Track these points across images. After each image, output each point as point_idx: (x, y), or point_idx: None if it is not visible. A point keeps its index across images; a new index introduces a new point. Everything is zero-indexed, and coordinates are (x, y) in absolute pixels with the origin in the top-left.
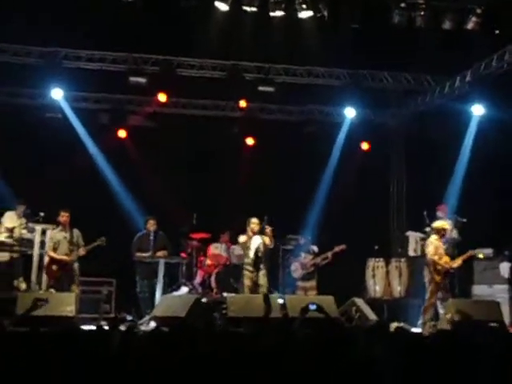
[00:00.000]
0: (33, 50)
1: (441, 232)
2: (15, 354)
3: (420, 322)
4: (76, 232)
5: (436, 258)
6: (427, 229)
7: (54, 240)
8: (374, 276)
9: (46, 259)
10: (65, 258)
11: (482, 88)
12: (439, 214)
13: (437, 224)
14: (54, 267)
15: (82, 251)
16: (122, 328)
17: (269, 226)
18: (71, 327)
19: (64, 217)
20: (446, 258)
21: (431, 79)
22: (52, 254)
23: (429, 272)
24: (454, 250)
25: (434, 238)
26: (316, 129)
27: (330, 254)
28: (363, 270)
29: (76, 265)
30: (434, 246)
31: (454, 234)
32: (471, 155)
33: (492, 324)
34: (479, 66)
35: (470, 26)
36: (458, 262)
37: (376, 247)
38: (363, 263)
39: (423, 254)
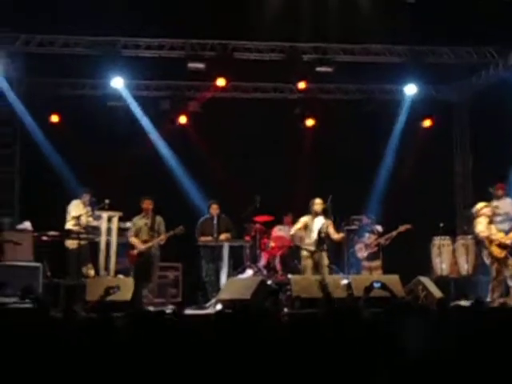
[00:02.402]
0: (92, 40)
1: (479, 213)
2: (88, 340)
3: (489, 299)
4: (158, 219)
5: (487, 233)
6: (494, 204)
7: (136, 226)
8: (439, 254)
9: (114, 245)
10: (139, 245)
11: None
12: (499, 192)
13: (476, 207)
14: (134, 252)
15: (162, 239)
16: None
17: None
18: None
19: (146, 204)
20: (500, 234)
21: (494, 52)
22: (133, 239)
23: (488, 252)
24: None
25: (482, 218)
26: (376, 107)
27: (394, 234)
28: (429, 249)
29: (157, 253)
30: (482, 225)
31: None
32: None
33: None
34: None
35: None
36: None
37: (441, 225)
38: (429, 242)
39: (475, 236)
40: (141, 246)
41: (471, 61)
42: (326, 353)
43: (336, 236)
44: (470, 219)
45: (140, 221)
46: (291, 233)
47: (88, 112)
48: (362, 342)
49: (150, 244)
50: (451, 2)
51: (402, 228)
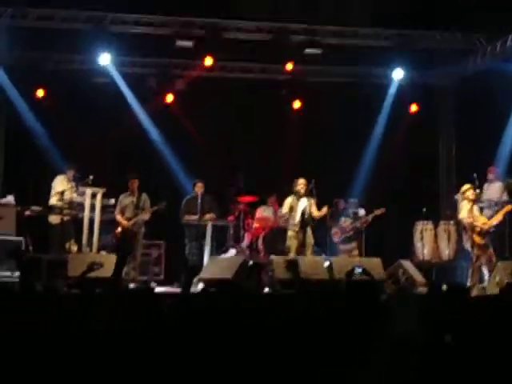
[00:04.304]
0: (80, 14)
1: (464, 196)
2: (70, 315)
3: (468, 284)
4: (144, 196)
5: (471, 220)
6: (477, 191)
7: (122, 204)
8: (422, 239)
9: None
10: (124, 222)
11: None
12: (490, 176)
13: (461, 189)
14: (119, 229)
15: (145, 215)
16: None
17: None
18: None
19: (132, 183)
20: (482, 219)
21: (482, 38)
22: (118, 217)
23: (468, 237)
24: None
25: (465, 202)
26: (364, 91)
27: (370, 218)
28: (411, 233)
29: (142, 230)
30: (466, 210)
31: (505, 197)
32: None
33: None
34: None
35: None
36: (497, 218)
37: (424, 210)
38: (411, 226)
39: (458, 221)
40: (124, 223)
41: (459, 47)
42: (299, 334)
43: (317, 213)
44: (454, 204)
45: (126, 199)
46: (280, 215)
47: (74, 87)
48: (336, 323)
49: (133, 221)
50: None
51: (377, 212)
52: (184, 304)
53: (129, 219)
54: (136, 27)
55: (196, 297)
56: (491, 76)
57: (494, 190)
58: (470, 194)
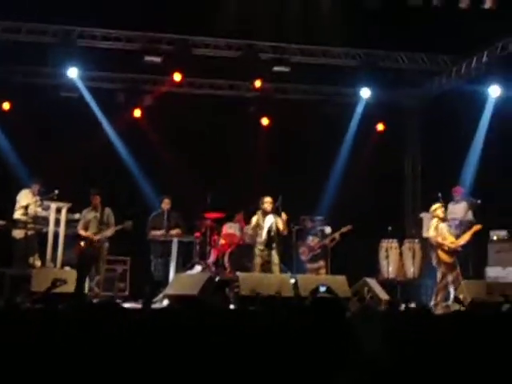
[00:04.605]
0: (47, 28)
1: (433, 214)
2: (32, 331)
3: (432, 303)
4: (107, 211)
5: (439, 239)
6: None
7: (85, 219)
8: (387, 257)
9: (61, 236)
10: (91, 235)
11: (499, 69)
12: (455, 196)
13: (431, 208)
14: (82, 243)
15: (109, 232)
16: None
17: (284, 214)
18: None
19: (95, 199)
20: (451, 238)
21: (448, 60)
22: (81, 232)
23: (436, 255)
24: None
25: (434, 220)
26: (331, 109)
27: (337, 235)
28: (377, 251)
29: (106, 244)
30: (434, 228)
31: (469, 216)
32: (487, 137)
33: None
34: (496, 47)
35: (486, 5)
36: (465, 239)
37: (389, 228)
38: (377, 244)
39: (425, 239)
40: (91, 236)
41: (425, 67)
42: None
43: (282, 227)
44: (419, 223)
45: (89, 214)
46: (246, 231)
47: (41, 101)
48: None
49: (98, 236)
50: (409, 8)
51: (344, 229)
52: (148, 320)
53: (94, 234)
54: (104, 42)
55: (160, 313)
56: (457, 97)
57: (459, 209)
58: (440, 212)
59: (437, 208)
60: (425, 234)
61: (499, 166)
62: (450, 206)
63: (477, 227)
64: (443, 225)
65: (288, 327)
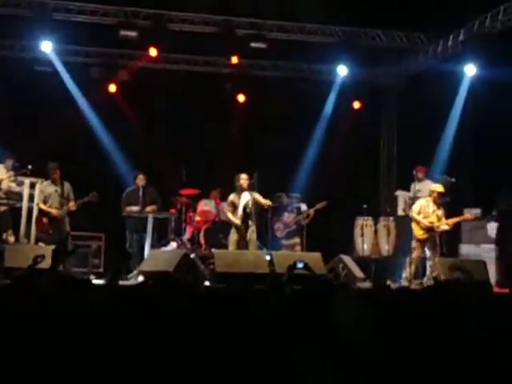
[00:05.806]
0: (22, 0)
1: (432, 194)
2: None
3: (404, 275)
4: (67, 186)
5: (415, 215)
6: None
7: (45, 193)
8: (362, 234)
9: (35, 212)
10: (54, 211)
11: (475, 47)
12: (419, 175)
13: (431, 187)
14: (45, 220)
15: (72, 206)
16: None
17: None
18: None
19: (54, 172)
20: (432, 218)
21: (424, 38)
22: (42, 206)
23: (413, 229)
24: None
25: (423, 199)
26: (308, 86)
27: (311, 212)
28: (352, 229)
29: (67, 219)
30: (418, 204)
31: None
32: (462, 115)
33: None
34: (473, 25)
35: None
36: (448, 224)
37: (365, 206)
38: (352, 222)
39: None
40: (55, 212)
41: (402, 45)
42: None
43: (263, 201)
44: (394, 201)
45: (49, 187)
46: (222, 208)
47: (14, 75)
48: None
49: (63, 210)
50: None
51: (318, 205)
52: (120, 295)
53: (57, 208)
54: (80, 15)
55: (134, 288)
56: (433, 75)
57: (425, 187)
58: (436, 195)
59: (437, 191)
60: (400, 212)
61: (474, 144)
62: (415, 186)
63: (466, 216)
64: (429, 204)
65: (266, 304)
